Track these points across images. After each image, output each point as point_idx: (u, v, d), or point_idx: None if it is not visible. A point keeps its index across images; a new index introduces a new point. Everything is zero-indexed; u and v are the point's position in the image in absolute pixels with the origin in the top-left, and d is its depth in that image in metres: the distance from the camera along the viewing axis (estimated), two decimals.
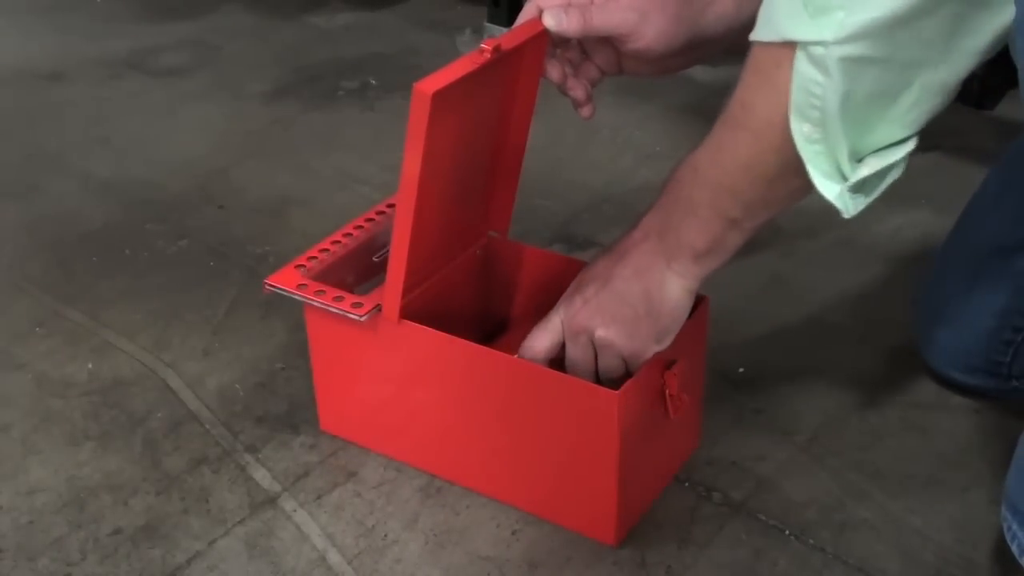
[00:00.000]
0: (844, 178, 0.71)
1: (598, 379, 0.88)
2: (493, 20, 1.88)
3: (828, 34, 0.66)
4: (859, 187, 0.72)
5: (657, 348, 0.86)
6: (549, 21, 0.84)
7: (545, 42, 0.88)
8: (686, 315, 0.86)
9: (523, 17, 0.87)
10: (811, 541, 0.92)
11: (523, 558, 0.90)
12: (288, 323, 1.18)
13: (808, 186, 0.73)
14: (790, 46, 0.68)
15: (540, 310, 0.91)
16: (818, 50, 0.67)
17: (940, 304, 1.02)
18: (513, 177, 0.99)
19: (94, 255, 1.33)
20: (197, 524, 0.94)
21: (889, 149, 0.71)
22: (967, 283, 1.00)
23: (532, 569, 0.90)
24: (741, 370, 1.11)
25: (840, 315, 1.20)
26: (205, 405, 1.08)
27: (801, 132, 0.70)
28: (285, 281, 0.95)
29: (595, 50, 0.90)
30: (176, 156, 1.55)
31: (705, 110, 1.63)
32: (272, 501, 0.97)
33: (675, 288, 0.84)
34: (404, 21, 2.03)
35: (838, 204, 0.72)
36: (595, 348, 0.86)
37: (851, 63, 0.66)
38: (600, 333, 0.85)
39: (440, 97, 0.78)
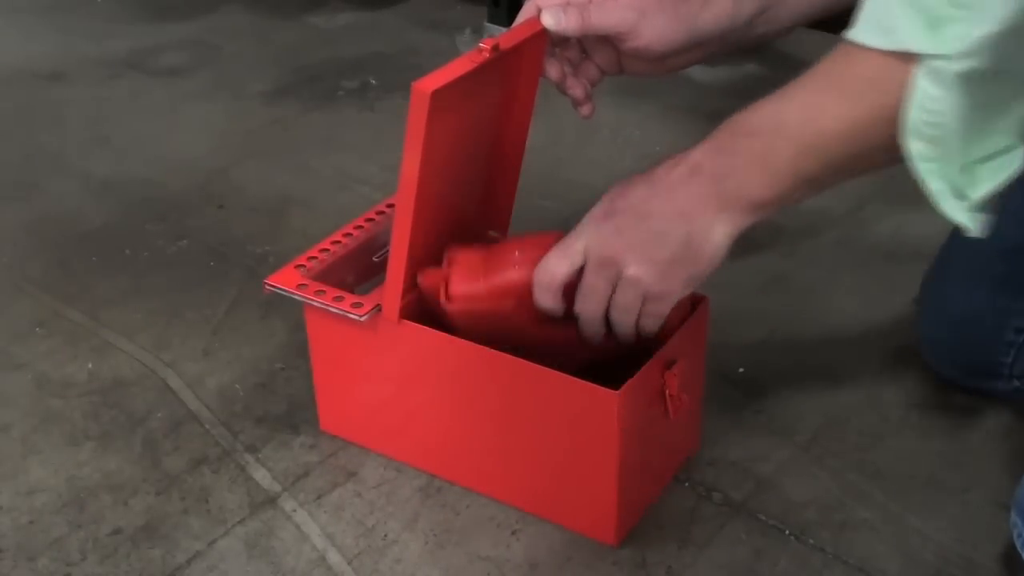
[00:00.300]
0: (962, 194, 0.70)
1: (606, 314, 0.85)
2: (493, 20, 1.88)
3: (949, 47, 0.64)
4: (981, 205, 0.70)
5: (684, 292, 0.83)
6: (548, 20, 0.84)
7: (544, 41, 0.88)
8: (721, 262, 0.82)
9: (522, 16, 0.87)
10: (811, 541, 0.92)
11: (523, 558, 0.90)
12: (288, 323, 1.18)
13: (896, 159, 0.71)
14: (906, 57, 0.66)
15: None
16: (939, 64, 0.65)
17: (941, 304, 1.02)
18: (513, 177, 0.99)
19: (94, 255, 1.33)
20: (197, 524, 0.94)
21: (999, 160, 0.70)
22: (969, 283, 0.99)
23: (532, 569, 0.90)
24: (741, 370, 1.11)
25: (840, 315, 1.20)
26: (205, 405, 1.08)
27: (916, 150, 0.68)
28: (285, 281, 0.95)
29: (595, 49, 0.90)
30: (176, 156, 1.55)
31: (705, 110, 1.64)
32: (272, 501, 0.97)
33: (720, 235, 0.79)
34: (404, 21, 2.03)
35: (963, 222, 0.70)
36: (616, 280, 0.82)
37: (971, 77, 0.65)
38: (632, 271, 0.80)
39: (439, 96, 0.78)
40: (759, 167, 0.76)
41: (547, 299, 0.85)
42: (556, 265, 0.83)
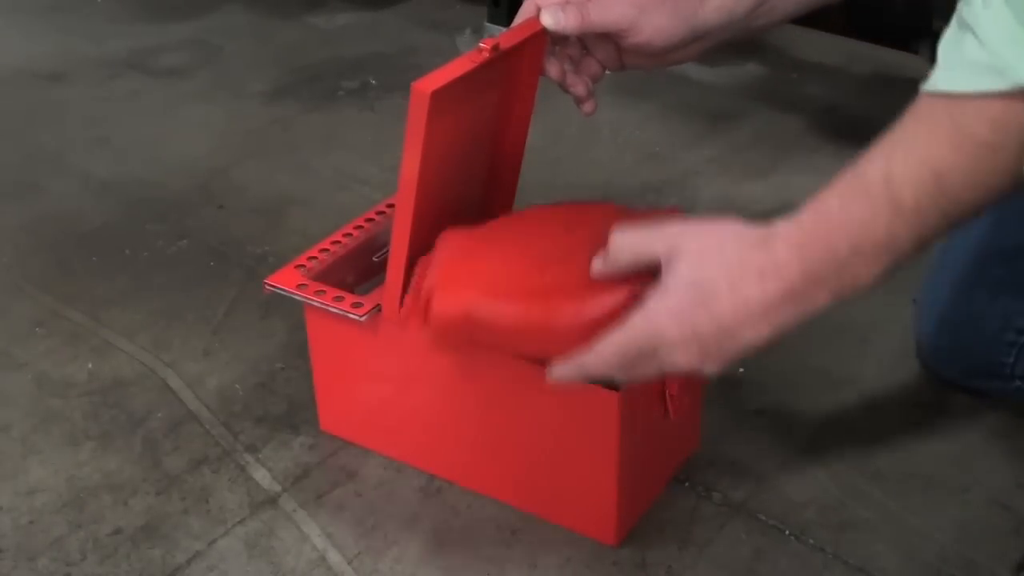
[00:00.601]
0: None
1: None
2: (493, 20, 1.88)
3: None
4: None
5: None
6: (547, 20, 0.84)
7: (544, 40, 0.88)
8: None
9: (521, 16, 0.87)
10: (811, 541, 0.92)
11: (523, 558, 0.90)
12: (288, 323, 1.18)
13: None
14: (1021, 93, 0.61)
15: None
16: None
17: (941, 305, 1.01)
18: (513, 176, 0.99)
19: (94, 255, 1.33)
20: (197, 524, 0.94)
21: None
22: (969, 284, 0.99)
23: (532, 569, 0.90)
24: (741, 370, 1.11)
25: (840, 315, 1.19)
26: (205, 405, 1.08)
27: None
28: (285, 281, 0.95)
29: (595, 46, 0.90)
30: (176, 156, 1.55)
31: (705, 110, 1.64)
32: (272, 501, 0.97)
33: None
34: (404, 21, 2.03)
35: None
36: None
37: None
38: (704, 369, 0.75)
39: (439, 96, 0.78)
40: (873, 257, 0.71)
41: (573, 377, 0.79)
42: (604, 362, 0.76)
